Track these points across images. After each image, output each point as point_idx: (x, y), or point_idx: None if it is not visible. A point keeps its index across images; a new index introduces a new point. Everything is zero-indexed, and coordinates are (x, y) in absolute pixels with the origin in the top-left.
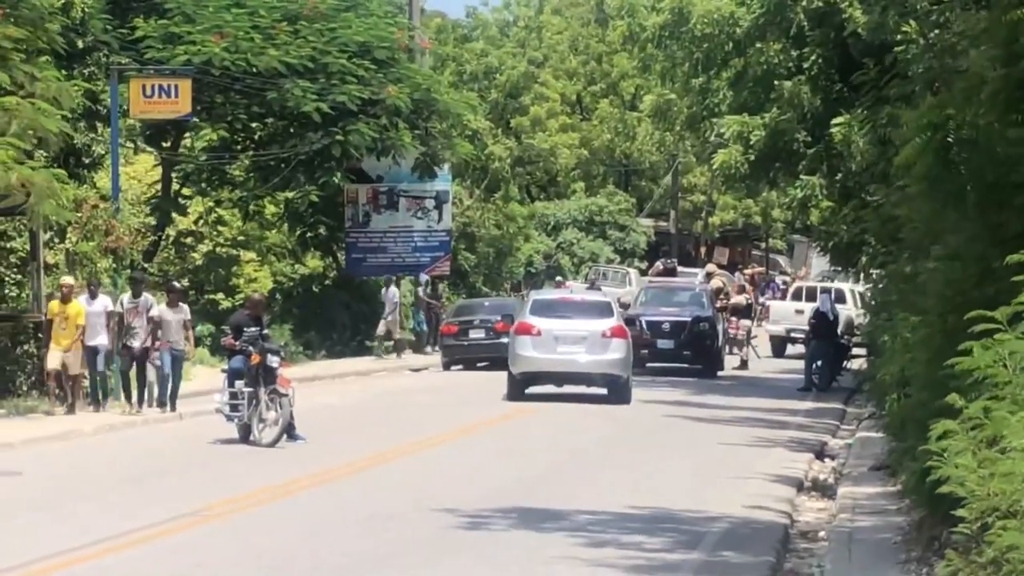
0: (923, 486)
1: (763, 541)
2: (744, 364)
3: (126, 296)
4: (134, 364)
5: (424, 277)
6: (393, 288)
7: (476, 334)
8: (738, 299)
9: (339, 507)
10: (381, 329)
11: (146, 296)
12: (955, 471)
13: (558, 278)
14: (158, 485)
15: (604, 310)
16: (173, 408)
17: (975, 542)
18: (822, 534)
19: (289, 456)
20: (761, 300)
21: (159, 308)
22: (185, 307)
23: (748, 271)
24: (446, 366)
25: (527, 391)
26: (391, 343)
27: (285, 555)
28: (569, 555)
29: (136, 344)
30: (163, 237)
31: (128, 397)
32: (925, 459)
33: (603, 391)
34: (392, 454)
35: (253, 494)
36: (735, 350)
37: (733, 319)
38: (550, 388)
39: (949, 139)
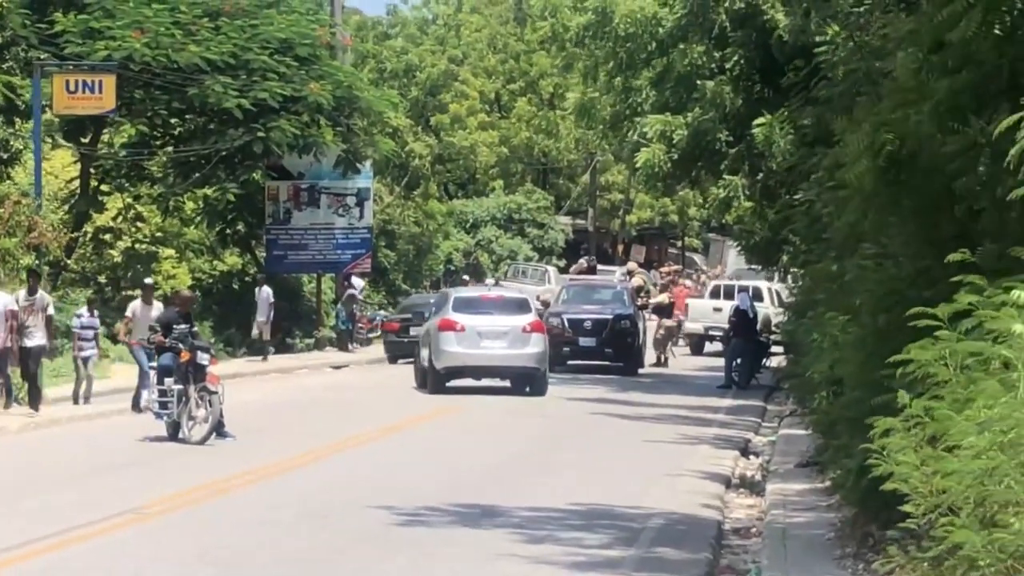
0: (858, 483)
1: (698, 537)
2: (664, 362)
3: (22, 293)
4: (29, 365)
5: (359, 282)
6: (266, 288)
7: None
8: (660, 297)
9: (275, 505)
10: (255, 332)
11: (42, 293)
12: (898, 468)
13: (465, 276)
14: (92, 484)
15: (523, 306)
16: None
17: (918, 538)
18: (754, 530)
19: (220, 454)
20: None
21: (133, 305)
22: (160, 305)
23: (665, 269)
24: (392, 360)
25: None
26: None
27: (228, 554)
28: (510, 552)
29: (31, 344)
30: (82, 234)
31: (8, 397)
32: (861, 456)
33: (523, 385)
34: (323, 452)
35: (188, 492)
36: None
37: (655, 317)
38: (468, 382)
39: (892, 155)
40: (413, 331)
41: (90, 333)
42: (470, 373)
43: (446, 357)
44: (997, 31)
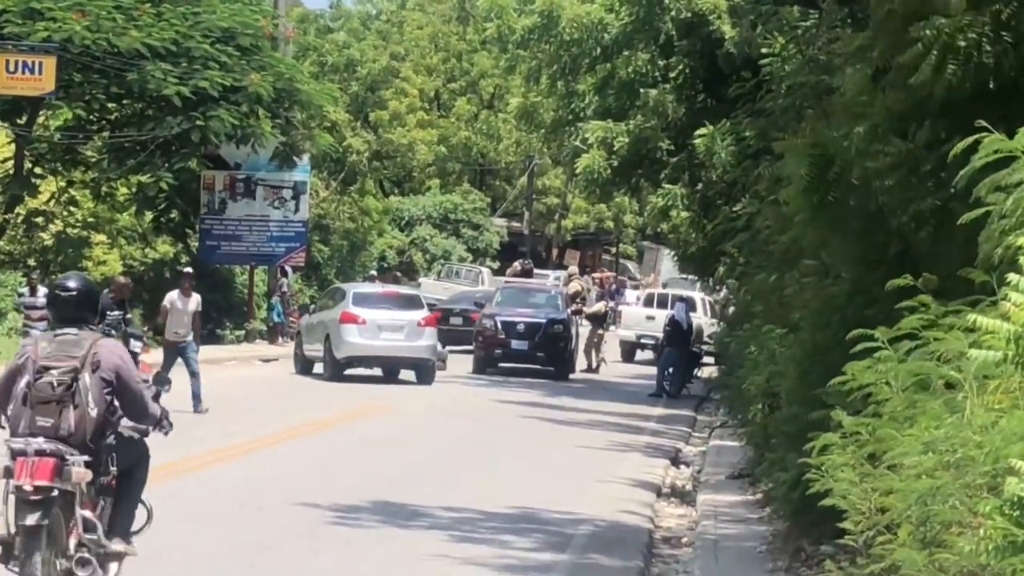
0: (791, 497)
1: (629, 545)
2: (596, 368)
3: None
4: None
5: (290, 274)
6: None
7: None
8: (598, 306)
9: (207, 496)
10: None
11: None
12: (836, 485)
13: (372, 272)
14: None
15: (416, 302)
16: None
17: (853, 555)
18: (685, 540)
19: (150, 444)
20: (610, 305)
21: (170, 296)
22: (198, 297)
23: (597, 275)
24: None
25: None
26: None
27: (158, 542)
28: (440, 552)
29: None
30: (14, 215)
31: None
32: (797, 471)
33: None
34: (253, 445)
35: None
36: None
37: (588, 324)
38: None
39: (829, 167)
40: None
41: (36, 314)
42: (369, 363)
43: (347, 347)
44: (949, 73)
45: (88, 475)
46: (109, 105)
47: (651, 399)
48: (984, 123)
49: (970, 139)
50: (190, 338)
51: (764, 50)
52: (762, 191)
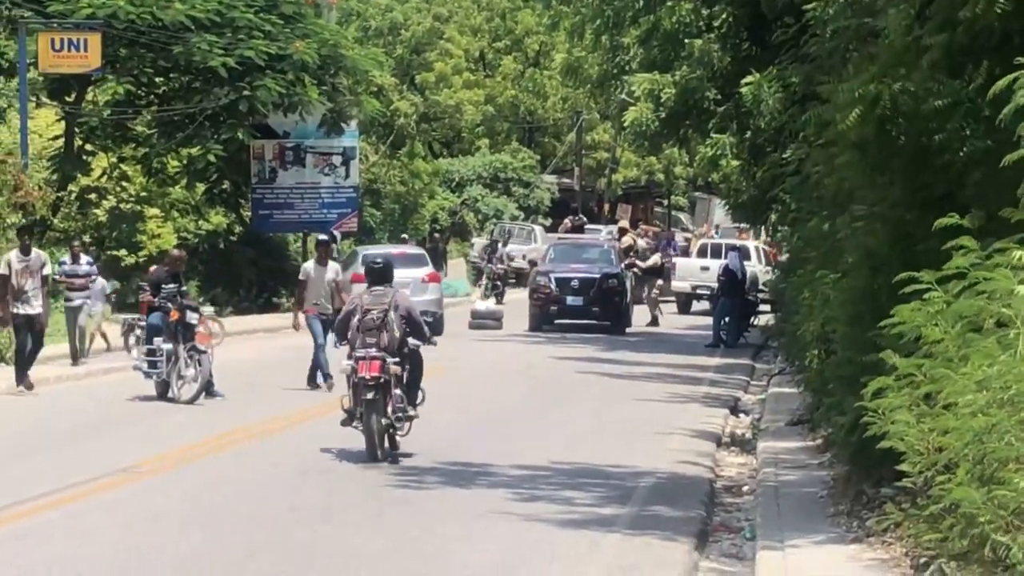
0: (850, 441)
1: (691, 496)
2: (655, 321)
3: (14, 254)
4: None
5: (336, 234)
6: (100, 280)
7: None
8: (654, 258)
9: (270, 463)
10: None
11: (37, 252)
12: (893, 427)
13: (403, 236)
14: (84, 444)
15: (421, 260)
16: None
17: (914, 496)
18: (746, 489)
19: (210, 413)
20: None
21: (306, 267)
22: (336, 266)
23: (644, 227)
24: None
25: None
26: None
27: (231, 508)
28: (503, 510)
29: (31, 311)
30: (67, 193)
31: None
32: (854, 414)
33: None
34: (313, 412)
35: (180, 451)
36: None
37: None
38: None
39: (887, 110)
40: None
41: (78, 282)
42: None
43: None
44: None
45: (399, 370)
46: (156, 79)
47: (708, 349)
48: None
49: (1011, 76)
50: (330, 309)
51: None
52: (810, 136)
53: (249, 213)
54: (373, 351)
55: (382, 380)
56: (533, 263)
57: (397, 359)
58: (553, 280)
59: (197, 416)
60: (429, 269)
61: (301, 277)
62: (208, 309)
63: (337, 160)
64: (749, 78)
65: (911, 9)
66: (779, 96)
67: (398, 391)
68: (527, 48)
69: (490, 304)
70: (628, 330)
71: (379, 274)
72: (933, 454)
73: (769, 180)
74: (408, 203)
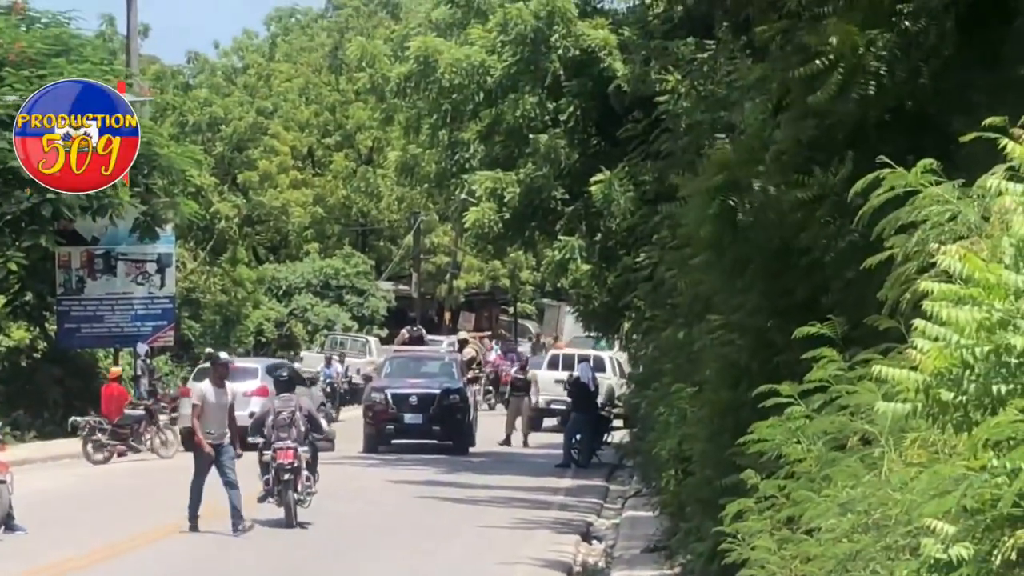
0: (709, 568)
1: None
2: (508, 441)
3: None
4: None
5: (143, 348)
6: None
7: None
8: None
9: None
10: None
11: None
12: (754, 553)
13: (208, 351)
14: None
15: (252, 374)
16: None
17: None
18: None
19: (9, 549)
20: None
21: (200, 388)
22: (234, 387)
23: (476, 334)
24: None
25: None
26: None
27: None
28: None
29: None
30: None
31: None
32: (713, 540)
33: None
34: (125, 545)
35: None
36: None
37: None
38: None
39: (733, 207)
40: None
41: None
42: None
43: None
44: (856, 95)
45: (308, 457)
46: None
47: (559, 470)
48: (885, 158)
49: (871, 175)
50: (227, 440)
51: (659, 87)
52: (664, 237)
53: (55, 327)
54: (288, 442)
55: (295, 464)
56: (368, 378)
57: (305, 448)
58: (390, 396)
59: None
60: (258, 383)
61: (195, 401)
62: None
63: (151, 268)
64: (599, 176)
65: (768, 103)
66: (631, 195)
67: (306, 472)
68: (359, 144)
69: (324, 426)
70: (472, 450)
71: (285, 384)
72: None
73: (622, 285)
74: (230, 314)
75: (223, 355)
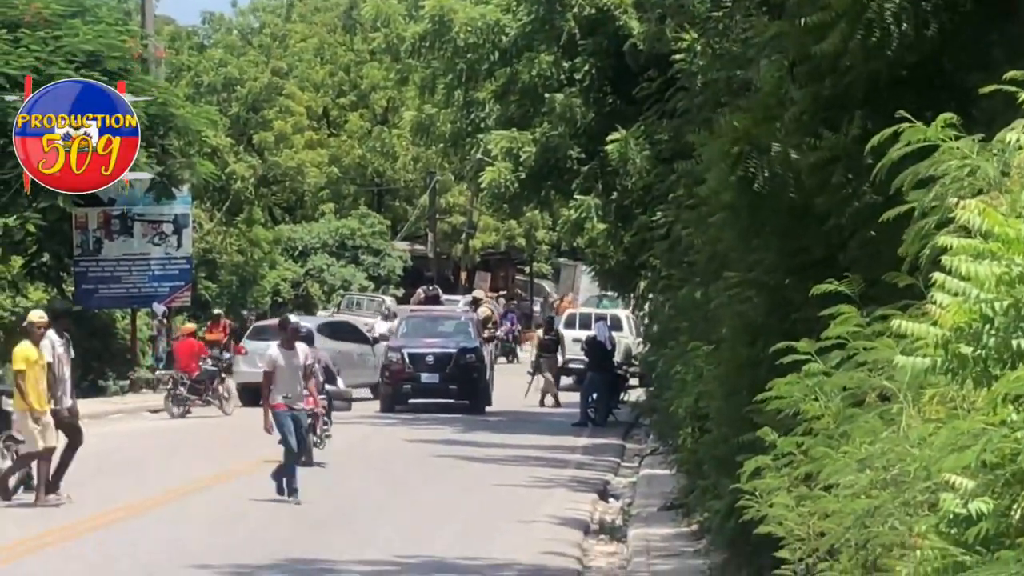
0: (726, 526)
1: None
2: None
3: None
4: None
5: (160, 308)
6: None
7: None
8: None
9: (92, 564)
10: None
11: None
12: (772, 510)
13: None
14: None
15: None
16: None
17: None
18: None
19: (29, 509)
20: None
21: (272, 352)
22: (306, 349)
23: (491, 294)
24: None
25: None
26: None
27: None
28: None
29: None
30: None
31: None
32: (730, 498)
33: None
34: (143, 505)
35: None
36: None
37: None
38: None
39: (751, 168)
40: None
41: None
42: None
43: (243, 376)
44: (862, 46)
45: (326, 404)
46: None
47: (575, 429)
48: (905, 113)
49: (889, 130)
50: (302, 404)
51: (675, 45)
52: (680, 196)
53: (72, 288)
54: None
55: (314, 411)
56: (384, 337)
57: (323, 396)
58: (406, 356)
59: (15, 513)
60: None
61: (266, 368)
62: None
63: (168, 228)
64: (615, 135)
65: (784, 60)
66: (647, 154)
67: (324, 418)
68: (374, 104)
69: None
70: (488, 409)
71: (306, 337)
72: (814, 539)
73: (638, 244)
74: (247, 274)
75: (292, 317)
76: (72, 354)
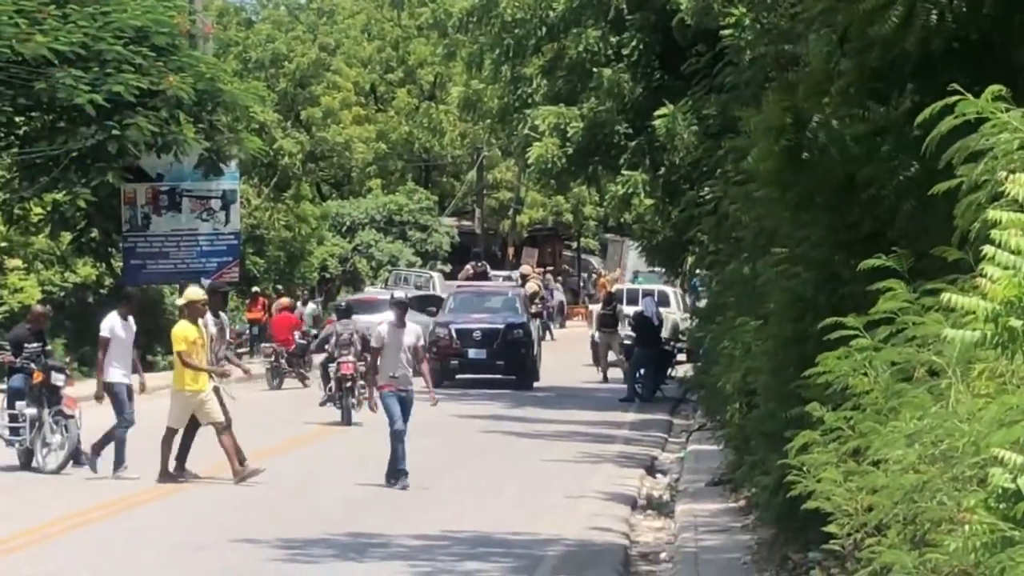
0: (774, 501)
1: (603, 564)
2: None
3: None
4: None
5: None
6: None
7: None
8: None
9: (142, 538)
10: None
11: None
12: (819, 485)
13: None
14: None
15: (384, 306)
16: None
17: (843, 560)
18: (664, 555)
19: (79, 483)
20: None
21: (381, 329)
22: (417, 328)
23: (538, 269)
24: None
25: None
26: None
27: None
28: None
29: None
30: None
31: None
32: (778, 473)
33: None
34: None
35: (44, 526)
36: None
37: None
38: None
39: (798, 140)
40: None
41: None
42: None
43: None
44: (919, 25)
45: (362, 368)
46: (16, 119)
47: (623, 404)
48: (957, 86)
49: (940, 103)
50: (411, 387)
51: (723, 20)
52: (728, 171)
53: (120, 264)
54: (349, 357)
55: (353, 375)
56: (432, 313)
57: (360, 362)
58: (453, 331)
59: (65, 487)
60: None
61: (374, 344)
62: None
63: (216, 204)
64: (662, 110)
65: (833, 34)
66: (694, 129)
67: (361, 382)
68: (421, 80)
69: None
70: (536, 384)
71: (346, 311)
72: (862, 514)
73: (685, 220)
74: (294, 250)
75: (398, 293)
76: (227, 334)
